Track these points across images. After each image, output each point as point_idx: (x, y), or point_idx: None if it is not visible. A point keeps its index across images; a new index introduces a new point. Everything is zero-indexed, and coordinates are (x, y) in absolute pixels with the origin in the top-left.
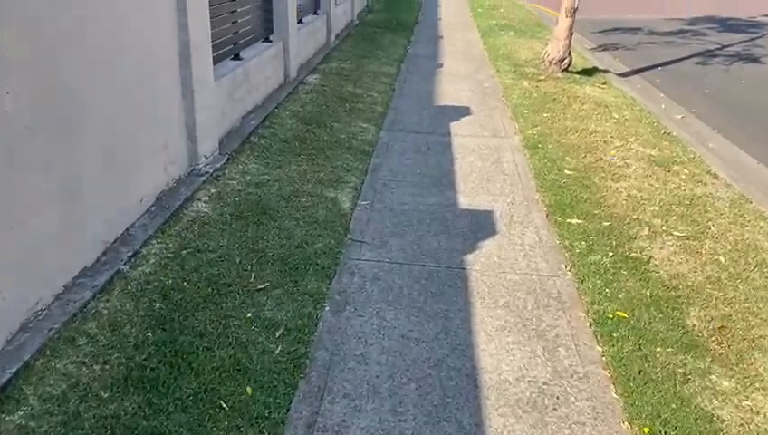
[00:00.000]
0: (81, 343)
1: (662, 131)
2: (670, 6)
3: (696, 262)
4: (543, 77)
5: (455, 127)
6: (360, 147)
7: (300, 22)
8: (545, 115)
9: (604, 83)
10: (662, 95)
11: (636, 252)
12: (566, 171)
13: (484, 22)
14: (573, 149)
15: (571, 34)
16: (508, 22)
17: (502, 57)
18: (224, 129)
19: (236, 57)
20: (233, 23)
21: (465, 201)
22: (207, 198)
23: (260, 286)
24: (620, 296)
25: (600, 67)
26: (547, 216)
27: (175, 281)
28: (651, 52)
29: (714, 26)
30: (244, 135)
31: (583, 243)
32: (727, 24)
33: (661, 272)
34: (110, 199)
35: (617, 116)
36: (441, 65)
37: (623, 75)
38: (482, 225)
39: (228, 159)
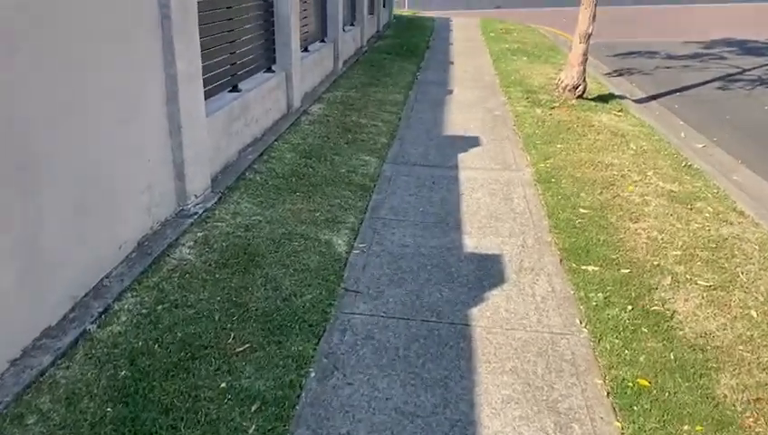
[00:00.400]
0: (30, 421)
1: (683, 163)
2: (687, 29)
3: (724, 317)
4: (557, 104)
5: (463, 159)
6: (360, 182)
7: (305, 50)
8: (559, 146)
9: (620, 111)
10: (681, 122)
11: (657, 305)
12: (581, 210)
13: (497, 46)
14: (589, 184)
15: (586, 60)
16: (521, 46)
17: (514, 83)
18: (218, 164)
19: (234, 88)
20: (231, 53)
21: (471, 244)
22: (193, 243)
23: (239, 349)
24: (641, 360)
25: (617, 93)
26: (561, 261)
27: (145, 343)
28: (669, 76)
29: (732, 49)
30: (240, 171)
31: (600, 294)
32: (746, 48)
33: (686, 330)
34: (81, 250)
35: (634, 147)
36: (451, 92)
37: (640, 102)
38: (489, 271)
39: (220, 197)
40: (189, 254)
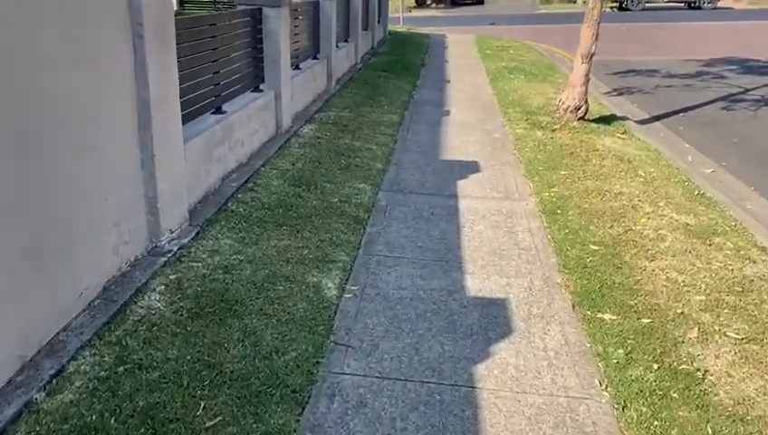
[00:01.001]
0: None
1: (695, 192)
2: (685, 48)
3: (763, 378)
4: (558, 126)
5: (462, 186)
6: (353, 213)
7: (297, 68)
8: (563, 173)
9: (624, 133)
10: (687, 145)
11: (686, 363)
12: (591, 246)
13: (493, 64)
14: (598, 216)
15: (588, 81)
16: (518, 64)
17: (512, 104)
18: (198, 194)
19: (218, 110)
20: (214, 72)
21: (474, 286)
22: (164, 287)
23: (209, 423)
24: (674, 434)
25: (618, 114)
26: (573, 307)
27: (100, 416)
28: (671, 96)
29: (733, 68)
30: (222, 201)
31: (620, 350)
32: (747, 66)
33: (721, 394)
34: (33, 301)
35: (643, 174)
36: (448, 113)
37: (643, 123)
38: (495, 320)
39: (198, 232)
40: (159, 301)
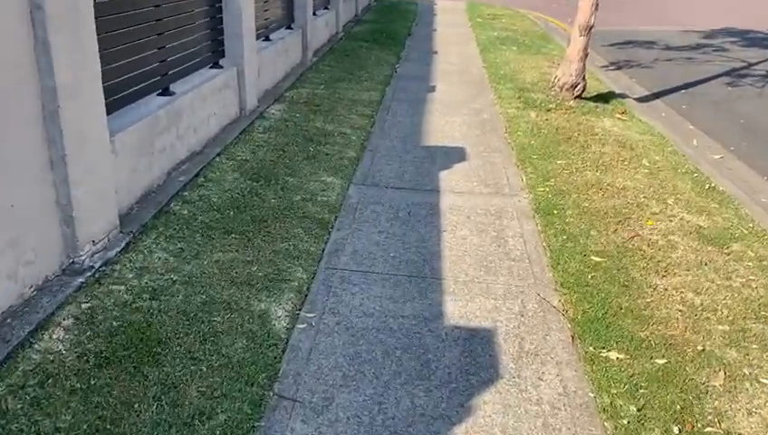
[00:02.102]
0: None
1: (705, 185)
2: (685, 18)
3: None
4: (553, 105)
5: (445, 179)
6: (317, 215)
7: (266, 39)
8: (559, 162)
9: (623, 113)
10: (691, 127)
11: (713, 425)
12: (593, 257)
13: (484, 34)
14: (599, 217)
15: (586, 56)
16: (510, 34)
17: (504, 79)
18: (134, 193)
19: (165, 92)
20: (159, 48)
21: (455, 311)
22: (73, 321)
23: None
24: None
25: (617, 91)
26: (572, 339)
27: None
28: (671, 71)
29: (734, 40)
30: (164, 200)
31: (631, 405)
32: (749, 38)
33: None
34: None
35: (647, 163)
36: (433, 89)
37: (643, 100)
38: (479, 359)
39: (129, 242)
40: (63, 341)
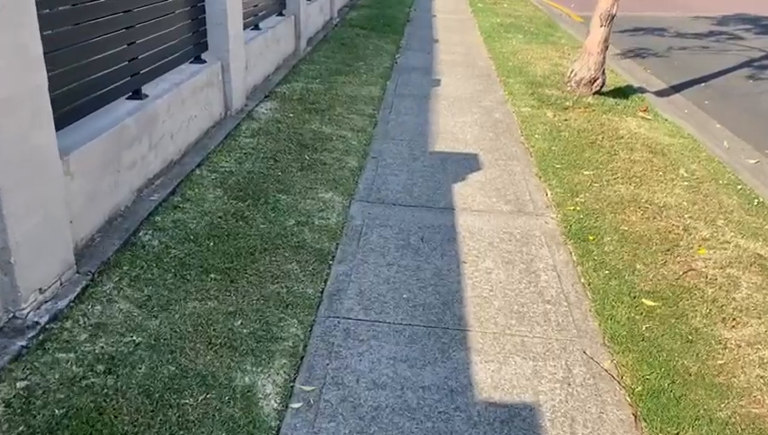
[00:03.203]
0: None
1: (753, 199)
2: (693, 3)
3: None
4: (570, 103)
5: (460, 193)
6: (315, 244)
7: (256, 27)
8: (586, 173)
9: (645, 110)
10: (718, 125)
11: None
12: (645, 300)
13: (487, 20)
14: (643, 244)
15: (607, 48)
16: (514, 20)
17: (513, 71)
18: (96, 221)
19: (136, 95)
20: (127, 44)
21: (486, 378)
22: (1, 410)
23: None
24: None
25: (635, 84)
26: (635, 419)
27: None
28: (687, 60)
29: (748, 27)
30: (132, 227)
31: None
32: (763, 25)
33: None
34: None
35: (685, 173)
36: (438, 83)
37: (662, 95)
38: None
39: (87, 286)
40: None
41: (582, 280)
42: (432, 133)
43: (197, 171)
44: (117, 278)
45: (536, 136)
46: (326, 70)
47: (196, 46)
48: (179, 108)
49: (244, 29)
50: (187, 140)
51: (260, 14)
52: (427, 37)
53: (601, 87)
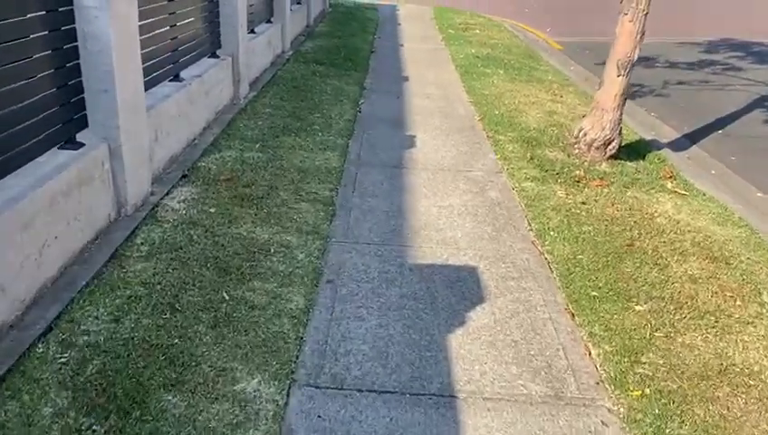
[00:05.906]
0: None
1: None
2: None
3: None
4: (581, 171)
5: (460, 355)
6: None
7: (176, 78)
8: (639, 310)
9: (672, 178)
10: (759, 194)
11: None
12: None
13: (461, 50)
14: None
15: (625, 101)
16: (491, 51)
17: (501, 123)
18: None
19: None
20: None
21: None
22: None
23: None
24: None
25: (647, 137)
26: None
27: None
28: (691, 99)
29: (740, 54)
30: None
31: None
32: (755, 53)
33: None
34: None
35: None
36: (412, 141)
37: (678, 148)
38: None
39: None
40: None
41: None
42: (410, 229)
43: (39, 348)
44: None
45: (551, 232)
46: (270, 127)
47: (65, 125)
48: (46, 216)
49: (152, 85)
50: (40, 277)
51: (180, 60)
52: (396, 74)
53: (617, 151)
